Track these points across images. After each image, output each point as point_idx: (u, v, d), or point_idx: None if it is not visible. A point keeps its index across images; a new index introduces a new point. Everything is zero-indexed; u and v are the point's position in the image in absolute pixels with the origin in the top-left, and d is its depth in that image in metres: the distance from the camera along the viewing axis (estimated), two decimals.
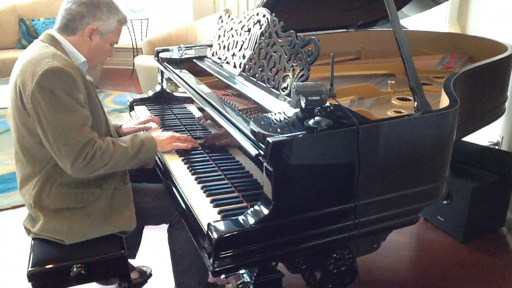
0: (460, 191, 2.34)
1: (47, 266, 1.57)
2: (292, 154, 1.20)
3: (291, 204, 1.25)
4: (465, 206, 2.34)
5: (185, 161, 1.70)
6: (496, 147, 2.67)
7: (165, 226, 1.85)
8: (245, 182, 1.51)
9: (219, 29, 2.13)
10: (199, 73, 2.11)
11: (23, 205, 1.69)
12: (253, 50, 1.78)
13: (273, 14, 1.74)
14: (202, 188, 1.51)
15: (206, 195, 1.46)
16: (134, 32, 5.81)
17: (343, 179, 1.31)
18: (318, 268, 1.41)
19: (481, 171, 2.43)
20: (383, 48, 2.73)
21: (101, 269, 1.63)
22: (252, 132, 1.29)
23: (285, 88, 1.54)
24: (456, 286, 2.15)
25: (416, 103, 1.47)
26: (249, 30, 1.86)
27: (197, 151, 1.77)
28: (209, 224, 1.23)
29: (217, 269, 1.21)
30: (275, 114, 1.38)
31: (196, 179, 1.56)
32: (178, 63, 2.27)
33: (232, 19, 2.04)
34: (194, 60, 2.22)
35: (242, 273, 1.41)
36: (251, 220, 1.22)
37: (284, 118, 1.35)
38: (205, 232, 1.25)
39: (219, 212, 1.35)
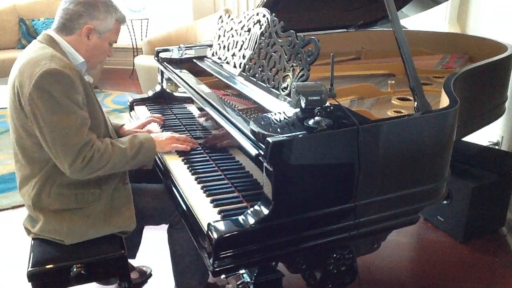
0: (460, 191, 2.34)
1: (47, 266, 1.57)
2: (292, 154, 1.20)
3: (291, 204, 1.25)
4: (465, 206, 2.34)
5: (185, 161, 1.70)
6: (496, 147, 2.67)
7: (165, 226, 1.85)
8: (245, 182, 1.51)
9: (219, 29, 2.13)
10: (199, 73, 2.11)
11: (23, 205, 1.69)
12: (253, 50, 1.78)
13: (273, 14, 1.74)
14: (202, 188, 1.51)
15: (206, 195, 1.46)
16: (134, 32, 5.81)
17: (343, 179, 1.31)
18: (318, 268, 1.41)
19: (481, 171, 2.43)
20: (383, 48, 2.73)
21: (101, 269, 1.63)
22: (252, 132, 1.29)
23: (285, 88, 1.54)
24: (456, 286, 2.15)
25: (416, 103, 1.47)
26: (249, 30, 1.86)
27: (197, 151, 1.77)
28: (209, 224, 1.23)
29: (217, 269, 1.21)
30: (275, 114, 1.38)
31: (196, 179, 1.56)
32: (178, 63, 2.27)
33: (232, 19, 2.04)
34: (194, 60, 2.22)
35: (242, 273, 1.41)
36: (251, 220, 1.22)
37: (284, 118, 1.35)
38: (205, 232, 1.25)
39: (219, 212, 1.35)
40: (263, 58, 1.70)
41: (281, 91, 1.56)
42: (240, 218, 1.25)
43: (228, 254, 1.21)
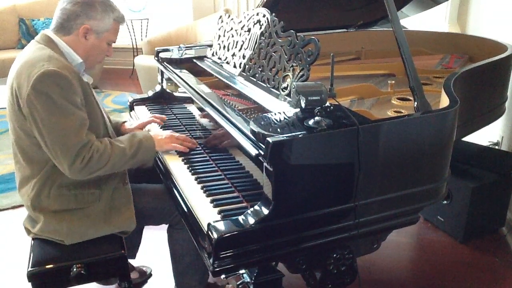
0: (460, 191, 2.34)
1: (47, 266, 1.57)
2: (292, 154, 1.20)
3: (291, 204, 1.25)
4: (465, 206, 2.34)
5: (185, 161, 1.70)
6: (496, 147, 2.67)
7: (165, 226, 1.85)
8: (245, 182, 1.51)
9: (219, 29, 2.13)
10: (199, 73, 2.11)
11: (23, 205, 1.69)
12: (253, 50, 1.78)
13: (273, 14, 1.74)
14: (202, 188, 1.51)
15: (206, 195, 1.46)
16: (134, 32, 5.81)
17: (343, 179, 1.31)
18: (318, 268, 1.41)
19: (481, 171, 2.43)
20: (383, 48, 2.73)
21: (101, 269, 1.63)
22: (252, 132, 1.29)
23: (285, 88, 1.54)
24: (456, 286, 2.15)
25: (416, 103, 1.47)
26: (249, 30, 1.86)
27: (197, 151, 1.77)
28: (209, 224, 1.23)
29: (217, 269, 1.21)
30: (275, 114, 1.38)
31: (196, 179, 1.56)
32: (178, 63, 2.27)
33: (232, 19, 2.04)
34: (194, 60, 2.22)
35: (242, 273, 1.41)
36: (251, 220, 1.22)
37: (284, 118, 1.35)
38: (205, 232, 1.25)
39: (219, 212, 1.35)
40: (263, 58, 1.70)
41: (281, 91, 1.56)
42: (240, 218, 1.25)
43: (228, 254, 1.21)
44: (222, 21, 2.12)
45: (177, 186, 1.60)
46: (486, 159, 2.48)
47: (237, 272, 1.28)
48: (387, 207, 1.42)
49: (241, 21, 1.95)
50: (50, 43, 1.56)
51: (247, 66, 1.81)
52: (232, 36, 1.99)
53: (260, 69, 1.71)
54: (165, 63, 2.29)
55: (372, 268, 2.25)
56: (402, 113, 1.75)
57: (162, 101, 2.40)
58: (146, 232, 2.13)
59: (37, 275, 1.56)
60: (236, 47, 1.93)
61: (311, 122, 1.26)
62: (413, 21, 2.96)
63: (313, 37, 1.49)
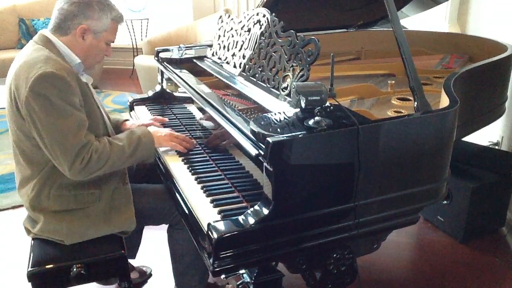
0: (460, 191, 2.34)
1: (47, 266, 1.57)
2: (292, 154, 1.20)
3: (291, 204, 1.25)
4: (465, 206, 2.34)
5: (185, 161, 1.70)
6: (496, 147, 2.67)
7: (165, 226, 1.85)
8: (245, 182, 1.51)
9: (219, 29, 2.13)
10: (199, 73, 2.11)
11: (23, 205, 1.69)
12: (253, 50, 1.78)
13: (273, 14, 1.74)
14: (202, 188, 1.51)
15: (206, 195, 1.46)
16: (134, 32, 5.81)
17: (343, 179, 1.31)
18: (318, 268, 1.41)
19: (481, 171, 2.43)
20: (383, 48, 2.73)
21: (101, 269, 1.63)
22: (252, 132, 1.29)
23: (285, 88, 1.54)
24: (456, 286, 2.15)
25: (416, 103, 1.46)
26: (249, 30, 1.86)
27: (197, 151, 1.77)
28: (209, 224, 1.23)
29: (217, 269, 1.21)
30: (275, 114, 1.38)
31: (196, 179, 1.56)
32: (178, 63, 2.27)
33: (232, 19, 2.04)
34: (194, 60, 2.22)
35: (242, 273, 1.41)
36: (251, 220, 1.22)
37: (284, 118, 1.35)
38: (205, 232, 1.25)
39: (219, 212, 1.36)
40: (263, 58, 1.70)
41: (281, 91, 1.56)
42: (240, 218, 1.25)
43: (228, 254, 1.21)
44: (222, 21, 2.12)
45: (177, 186, 1.60)
46: (486, 159, 2.48)
47: (237, 272, 1.28)
48: (387, 207, 1.42)
49: (241, 21, 1.95)
50: (48, 43, 1.55)
51: (247, 66, 1.81)
52: (232, 36, 1.99)
53: (260, 69, 1.71)
54: (165, 63, 2.29)
55: (372, 268, 2.25)
56: (402, 113, 1.75)
57: (162, 101, 2.40)
58: (146, 232, 2.13)
59: (37, 275, 1.56)
60: (236, 47, 1.93)
61: (311, 122, 1.26)
62: (413, 21, 2.96)
63: (313, 37, 1.49)
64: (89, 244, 1.61)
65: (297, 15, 2.43)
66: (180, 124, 2.08)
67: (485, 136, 2.70)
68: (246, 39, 1.86)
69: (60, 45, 1.56)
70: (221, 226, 1.22)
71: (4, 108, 1.60)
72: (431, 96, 1.78)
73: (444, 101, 1.57)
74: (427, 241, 2.48)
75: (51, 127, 1.44)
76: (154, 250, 2.33)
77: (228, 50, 2.00)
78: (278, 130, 1.25)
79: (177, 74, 2.11)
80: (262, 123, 1.30)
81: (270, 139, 1.17)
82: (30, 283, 1.58)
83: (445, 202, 2.43)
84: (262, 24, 1.76)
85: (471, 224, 2.39)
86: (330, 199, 1.31)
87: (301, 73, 1.48)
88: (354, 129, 1.26)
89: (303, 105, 1.32)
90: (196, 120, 2.05)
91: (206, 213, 1.37)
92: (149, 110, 2.32)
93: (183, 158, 1.72)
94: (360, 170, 1.30)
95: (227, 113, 1.54)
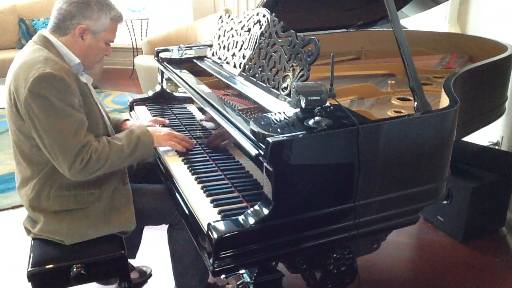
0: (460, 191, 2.34)
1: (47, 266, 1.57)
2: (292, 154, 1.20)
3: (291, 204, 1.25)
4: (465, 206, 2.34)
5: (185, 161, 1.70)
6: (496, 147, 2.67)
7: (165, 226, 1.85)
8: (245, 182, 1.51)
9: (219, 29, 2.13)
10: (199, 73, 2.11)
11: (23, 205, 1.69)
12: (253, 50, 1.78)
13: (273, 14, 1.74)
14: (202, 188, 1.51)
15: (206, 195, 1.46)
16: (134, 32, 5.81)
17: (343, 179, 1.31)
18: (318, 268, 1.41)
19: (481, 171, 2.43)
20: (383, 48, 2.73)
21: (101, 269, 1.63)
22: (252, 132, 1.29)
23: (285, 88, 1.54)
24: (456, 286, 2.15)
25: (416, 103, 1.46)
26: (249, 30, 1.86)
27: (197, 151, 1.77)
28: (209, 224, 1.23)
29: (217, 269, 1.21)
30: (275, 114, 1.38)
31: (196, 179, 1.56)
32: (178, 63, 2.27)
33: (232, 19, 2.04)
34: (194, 60, 2.22)
35: (242, 273, 1.41)
36: (251, 220, 1.22)
37: (284, 118, 1.35)
38: (205, 232, 1.25)
39: (219, 212, 1.36)
40: (263, 58, 1.70)
41: (281, 91, 1.56)
42: (240, 218, 1.25)
43: (228, 254, 1.21)
44: (222, 21, 2.12)
45: (177, 186, 1.60)
46: (486, 159, 2.48)
47: (237, 272, 1.28)
48: (387, 207, 1.42)
49: (241, 21, 1.95)
50: (47, 44, 1.55)
51: (247, 66, 1.81)
52: (232, 36, 1.99)
53: (260, 69, 1.71)
54: (165, 63, 2.29)
55: (372, 268, 2.26)
56: (402, 113, 1.75)
57: (162, 101, 2.40)
58: (146, 232, 2.13)
59: (37, 275, 1.56)
60: (236, 47, 1.93)
61: (311, 122, 1.26)
62: (413, 21, 2.96)
63: (313, 37, 1.49)
64: (89, 244, 1.61)
65: (297, 15, 2.43)
66: (180, 124, 2.08)
67: (485, 136, 2.70)
68: (246, 39, 1.86)
69: (59, 46, 1.56)
70: (221, 226, 1.22)
71: (4, 108, 1.60)
72: (431, 96, 1.78)
73: (444, 101, 1.57)
74: (427, 241, 2.48)
75: (50, 127, 1.44)
76: (154, 250, 2.33)
77: (228, 50, 2.00)
78: (278, 130, 1.25)
79: (177, 74, 2.11)
80: (262, 123, 1.30)
81: (270, 139, 1.17)
82: (30, 283, 1.58)
83: (445, 202, 2.43)
84: (262, 24, 1.76)
85: (471, 224, 2.39)
86: (330, 199, 1.31)
87: (301, 73, 1.48)
88: (354, 129, 1.26)
89: (303, 105, 1.32)
90: (196, 120, 2.05)
91: (206, 213, 1.37)
92: (149, 110, 2.32)
93: (183, 158, 1.72)
94: (360, 170, 1.30)
95: (227, 113, 1.54)
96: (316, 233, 1.32)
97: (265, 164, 1.21)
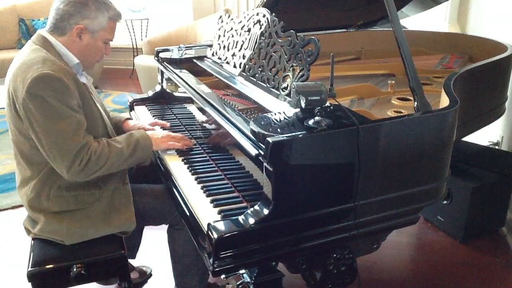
0: (460, 191, 2.34)
1: (47, 266, 1.57)
2: (292, 154, 1.20)
3: (291, 204, 1.25)
4: (465, 206, 2.34)
5: (185, 161, 1.70)
6: (496, 147, 2.67)
7: (165, 226, 1.85)
8: (245, 182, 1.51)
9: (219, 29, 2.13)
10: (199, 73, 2.11)
11: (23, 205, 1.69)
12: (253, 50, 1.78)
13: (273, 14, 1.74)
14: (202, 188, 1.51)
15: (206, 195, 1.46)
16: (134, 32, 5.81)
17: (343, 179, 1.31)
18: (318, 268, 1.41)
19: (481, 171, 2.43)
20: (383, 48, 2.73)
21: (101, 269, 1.63)
22: (252, 132, 1.29)
23: (285, 88, 1.54)
24: (456, 286, 2.15)
25: (416, 103, 1.46)
26: (249, 30, 1.86)
27: (197, 151, 1.77)
28: (209, 224, 1.23)
29: (217, 269, 1.21)
30: (275, 114, 1.38)
31: (196, 179, 1.56)
32: (178, 63, 2.27)
33: (232, 19, 2.04)
34: (194, 60, 2.22)
35: (242, 273, 1.41)
36: (251, 220, 1.22)
37: (284, 118, 1.35)
38: (205, 232, 1.25)
39: (219, 212, 1.36)
40: (263, 58, 1.70)
41: (281, 91, 1.56)
42: (240, 218, 1.25)
43: (228, 254, 1.21)
44: (222, 21, 2.12)
45: (177, 186, 1.60)
46: (486, 159, 2.48)
47: (237, 272, 1.28)
48: (387, 207, 1.42)
49: (241, 21, 1.95)
50: (46, 44, 1.54)
51: (247, 66, 1.81)
52: (232, 36, 1.99)
53: (260, 69, 1.71)
54: (165, 63, 2.29)
55: (372, 268, 2.26)
56: (402, 113, 1.75)
57: (162, 101, 2.40)
58: (146, 232, 2.13)
59: (37, 275, 1.56)
60: (236, 47, 1.93)
61: (311, 122, 1.26)
62: (413, 21, 2.96)
63: (313, 37, 1.49)
64: (89, 244, 1.61)
65: (297, 15, 2.43)
66: (180, 124, 2.08)
67: (485, 136, 2.70)
68: (246, 39, 1.86)
69: (58, 46, 1.55)
70: (221, 226, 1.22)
71: (4, 108, 1.60)
72: (431, 96, 1.78)
73: (444, 101, 1.57)
74: (427, 241, 2.48)
75: (48, 128, 1.43)
76: (154, 250, 2.33)
77: (228, 50, 2.00)
78: (278, 130, 1.25)
79: (177, 74, 2.11)
80: (262, 123, 1.30)
81: (270, 139, 1.17)
82: (30, 283, 1.58)
83: (445, 202, 2.43)
84: (262, 24, 1.76)
85: (471, 224, 2.39)
86: (330, 199, 1.31)
87: (301, 73, 1.48)
88: (354, 129, 1.26)
89: (303, 105, 1.32)
90: (196, 120, 2.05)
91: (206, 213, 1.37)
92: (149, 110, 2.32)
93: (183, 158, 1.72)
94: (360, 170, 1.30)
95: (227, 113, 1.54)
96: (316, 233, 1.32)
97: (265, 164, 1.21)
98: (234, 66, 1.89)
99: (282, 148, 1.18)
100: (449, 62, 2.51)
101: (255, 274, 1.38)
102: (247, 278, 1.41)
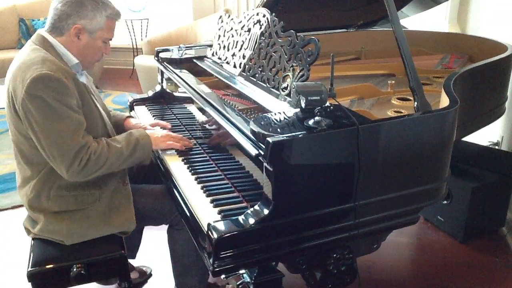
0: (460, 191, 2.34)
1: (47, 266, 1.57)
2: (292, 154, 1.20)
3: (291, 204, 1.25)
4: (465, 206, 2.34)
5: (185, 161, 1.70)
6: (496, 147, 2.67)
7: (165, 226, 1.85)
8: (245, 182, 1.51)
9: (219, 29, 2.13)
10: (199, 73, 2.11)
11: (23, 205, 1.69)
12: (253, 50, 1.78)
13: (273, 14, 1.74)
14: (202, 188, 1.51)
15: (206, 195, 1.46)
16: (134, 32, 5.81)
17: (343, 179, 1.31)
18: (318, 268, 1.41)
19: (481, 171, 2.43)
20: (383, 48, 2.73)
21: (101, 269, 1.63)
22: (252, 132, 1.29)
23: (285, 88, 1.54)
24: (456, 286, 2.15)
25: (416, 103, 1.46)
26: (249, 30, 1.86)
27: (197, 151, 1.77)
28: (209, 224, 1.23)
29: (217, 269, 1.21)
30: (275, 114, 1.38)
31: (196, 179, 1.56)
32: (178, 63, 2.27)
33: (232, 19, 2.04)
34: (194, 60, 2.22)
35: (242, 273, 1.41)
36: (251, 220, 1.22)
37: (284, 118, 1.35)
38: (205, 232, 1.25)
39: (219, 212, 1.35)
40: (263, 58, 1.70)
41: (281, 91, 1.56)
42: (240, 218, 1.25)
43: (228, 254, 1.21)
44: (222, 21, 2.12)
45: (177, 186, 1.60)
46: (486, 159, 2.48)
47: (237, 272, 1.28)
48: (387, 207, 1.42)
49: (241, 21, 1.95)
50: (45, 44, 1.54)
51: (247, 66, 1.81)
52: (232, 36, 1.99)
53: (260, 69, 1.71)
54: (165, 63, 2.29)
55: (372, 268, 2.26)
56: (402, 113, 1.75)
57: (162, 101, 2.40)
58: (146, 232, 2.13)
59: (37, 275, 1.56)
60: (236, 47, 1.93)
61: (311, 122, 1.26)
62: (413, 21, 2.96)
63: (313, 37, 1.49)
64: (89, 244, 1.61)
65: (297, 15, 2.43)
66: (180, 124, 2.08)
67: (485, 136, 2.70)
68: (246, 39, 1.86)
69: (58, 46, 1.55)
70: (221, 226, 1.22)
71: (4, 108, 1.60)
72: (431, 96, 1.78)
73: (444, 101, 1.57)
74: (427, 241, 2.48)
75: (47, 129, 1.43)
76: (154, 250, 2.33)
77: (228, 50, 2.00)
78: (278, 130, 1.25)
79: (177, 74, 2.11)
80: (262, 123, 1.30)
81: (270, 139, 1.17)
82: (30, 283, 1.58)
83: (445, 202, 2.43)
84: (262, 24, 1.76)
85: (471, 224, 2.39)
86: (330, 199, 1.31)
87: (301, 73, 1.48)
88: (354, 129, 1.26)
89: (303, 105, 1.32)
90: (196, 120, 2.05)
91: (206, 213, 1.37)
92: (149, 110, 2.32)
93: (183, 158, 1.72)
94: (360, 170, 1.30)
95: (227, 113, 1.54)
96: (316, 233, 1.32)
97: (265, 164, 1.21)
98: (234, 66, 1.89)
99: (282, 148, 1.18)
100: (449, 62, 2.51)
101: (255, 274, 1.39)
102: (247, 278, 1.41)
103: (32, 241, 1.66)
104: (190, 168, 1.64)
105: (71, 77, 1.50)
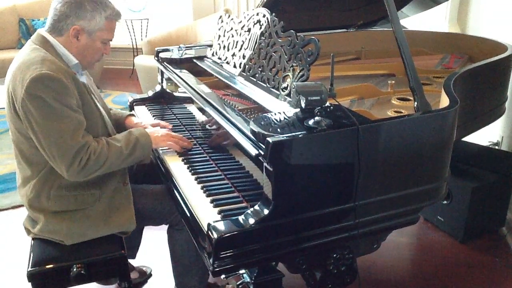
0: (460, 191, 2.34)
1: (47, 266, 1.57)
2: (292, 154, 1.20)
3: (291, 204, 1.25)
4: (465, 206, 2.34)
5: (185, 161, 1.70)
6: (496, 147, 2.67)
7: (165, 226, 1.85)
8: (245, 182, 1.51)
9: (219, 29, 2.13)
10: (199, 73, 2.11)
11: (23, 205, 1.69)
12: (253, 50, 1.78)
13: (273, 14, 1.74)
14: (202, 188, 1.51)
15: (206, 195, 1.46)
16: (134, 32, 5.81)
17: (343, 179, 1.31)
18: (318, 268, 1.41)
19: (481, 171, 2.43)
20: (383, 48, 2.73)
21: (101, 269, 1.63)
22: (252, 132, 1.29)
23: (285, 88, 1.54)
24: (456, 286, 2.15)
25: (416, 103, 1.46)
26: (249, 30, 1.86)
27: (197, 151, 1.77)
28: (209, 224, 1.23)
29: (217, 269, 1.21)
30: (275, 114, 1.38)
31: (196, 179, 1.56)
32: (178, 63, 2.27)
33: (232, 19, 2.04)
34: (194, 60, 2.22)
35: (242, 273, 1.41)
36: (251, 220, 1.22)
37: (284, 118, 1.35)
38: (205, 232, 1.25)
39: (219, 212, 1.35)
40: (263, 58, 1.70)
41: (281, 91, 1.56)
42: (240, 218, 1.25)
43: (228, 254, 1.21)
44: (222, 21, 2.12)
45: (177, 186, 1.60)
46: (486, 159, 2.48)
47: (237, 272, 1.28)
48: (387, 207, 1.42)
49: (241, 21, 1.95)
50: (45, 43, 1.54)
51: (247, 66, 1.81)
52: (232, 36, 1.99)
53: (260, 69, 1.71)
54: (165, 63, 2.29)
55: (372, 268, 2.26)
56: (402, 113, 1.75)
57: (162, 101, 2.40)
58: (146, 232, 2.13)
59: (37, 275, 1.56)
60: (236, 47, 1.93)
61: (311, 122, 1.26)
62: (413, 21, 2.96)
63: (313, 37, 1.49)
64: (89, 244, 1.61)
65: (297, 15, 2.43)
66: (180, 124, 2.08)
67: (485, 136, 2.70)
68: (246, 39, 1.86)
69: (57, 45, 1.55)
70: (221, 226, 1.22)
71: (4, 108, 1.60)
72: (431, 96, 1.78)
73: (444, 101, 1.57)
74: (427, 241, 2.48)
75: (47, 128, 1.43)
76: (154, 250, 2.33)
77: (228, 50, 2.00)
78: (278, 130, 1.25)
79: (177, 74, 2.11)
80: (262, 123, 1.30)
81: (270, 139, 1.17)
82: (30, 283, 1.58)
83: (445, 202, 2.43)
84: (262, 24, 1.76)
85: (471, 224, 2.39)
86: (330, 199, 1.31)
87: (301, 73, 1.48)
88: (354, 129, 1.26)
89: (303, 105, 1.32)
90: (196, 120, 2.05)
91: (206, 213, 1.37)
92: (149, 110, 2.32)
93: (183, 158, 1.72)
94: (360, 170, 1.30)
95: (227, 113, 1.54)
96: (316, 233, 1.32)
97: (265, 164, 1.21)
98: (234, 66, 1.89)
99: (282, 148, 1.18)
100: (449, 62, 2.51)
101: (255, 274, 1.39)
102: (247, 278, 1.41)
103: (32, 241, 1.67)
104: (190, 168, 1.64)
105: (71, 77, 1.50)
